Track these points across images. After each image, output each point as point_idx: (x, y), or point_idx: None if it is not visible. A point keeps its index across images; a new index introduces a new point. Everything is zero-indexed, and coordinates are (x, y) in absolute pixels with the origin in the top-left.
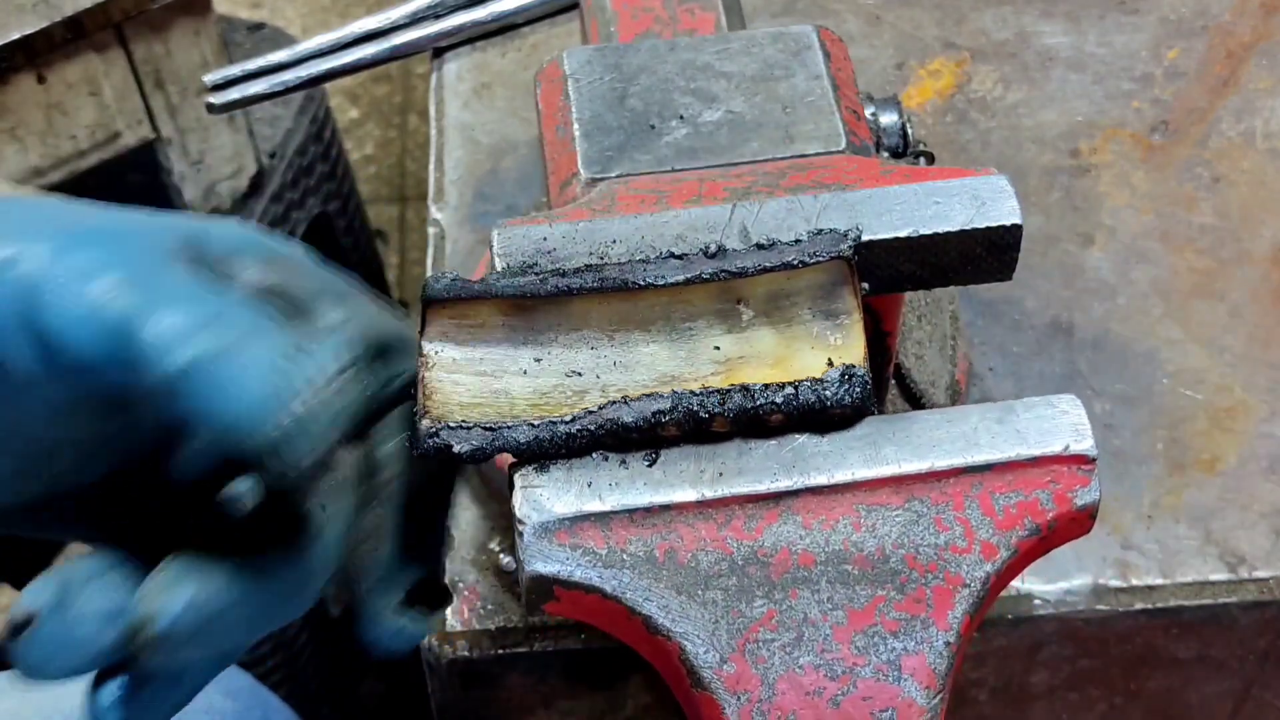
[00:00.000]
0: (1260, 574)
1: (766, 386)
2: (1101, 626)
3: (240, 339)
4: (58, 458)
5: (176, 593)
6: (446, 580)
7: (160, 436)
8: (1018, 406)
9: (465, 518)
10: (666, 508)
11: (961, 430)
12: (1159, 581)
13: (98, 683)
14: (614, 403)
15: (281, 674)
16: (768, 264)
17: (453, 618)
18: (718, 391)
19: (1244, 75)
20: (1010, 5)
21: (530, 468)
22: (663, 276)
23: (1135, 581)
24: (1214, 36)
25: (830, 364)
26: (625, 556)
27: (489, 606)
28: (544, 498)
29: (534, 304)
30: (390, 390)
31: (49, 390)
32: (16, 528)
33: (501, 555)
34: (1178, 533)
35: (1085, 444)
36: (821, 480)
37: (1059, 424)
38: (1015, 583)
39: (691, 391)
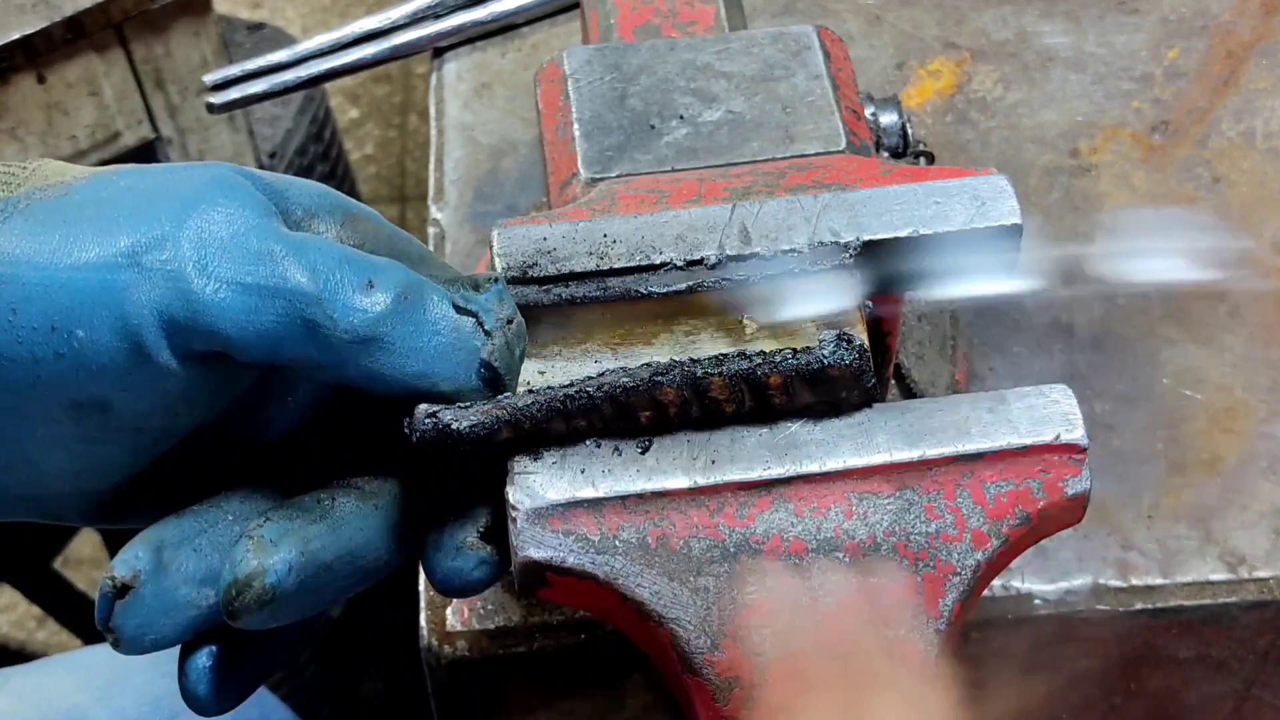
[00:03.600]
0: (1260, 574)
1: (762, 352)
2: (1101, 626)
3: (410, 295)
4: (160, 435)
5: (281, 547)
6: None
7: (267, 390)
8: (1009, 396)
9: None
10: (659, 494)
11: (953, 419)
12: (1159, 581)
13: (187, 652)
14: (613, 370)
15: (281, 674)
16: (770, 274)
17: (453, 617)
18: (715, 357)
19: (1244, 75)
20: (1010, 5)
21: (524, 455)
22: (666, 286)
23: (1135, 581)
24: (1214, 36)
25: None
26: (618, 543)
27: (489, 606)
28: (537, 484)
29: (537, 314)
30: None
31: (195, 377)
32: (92, 519)
33: None
34: (1178, 533)
35: (1076, 433)
36: (813, 468)
37: (1050, 413)
38: (1015, 583)
39: (692, 359)
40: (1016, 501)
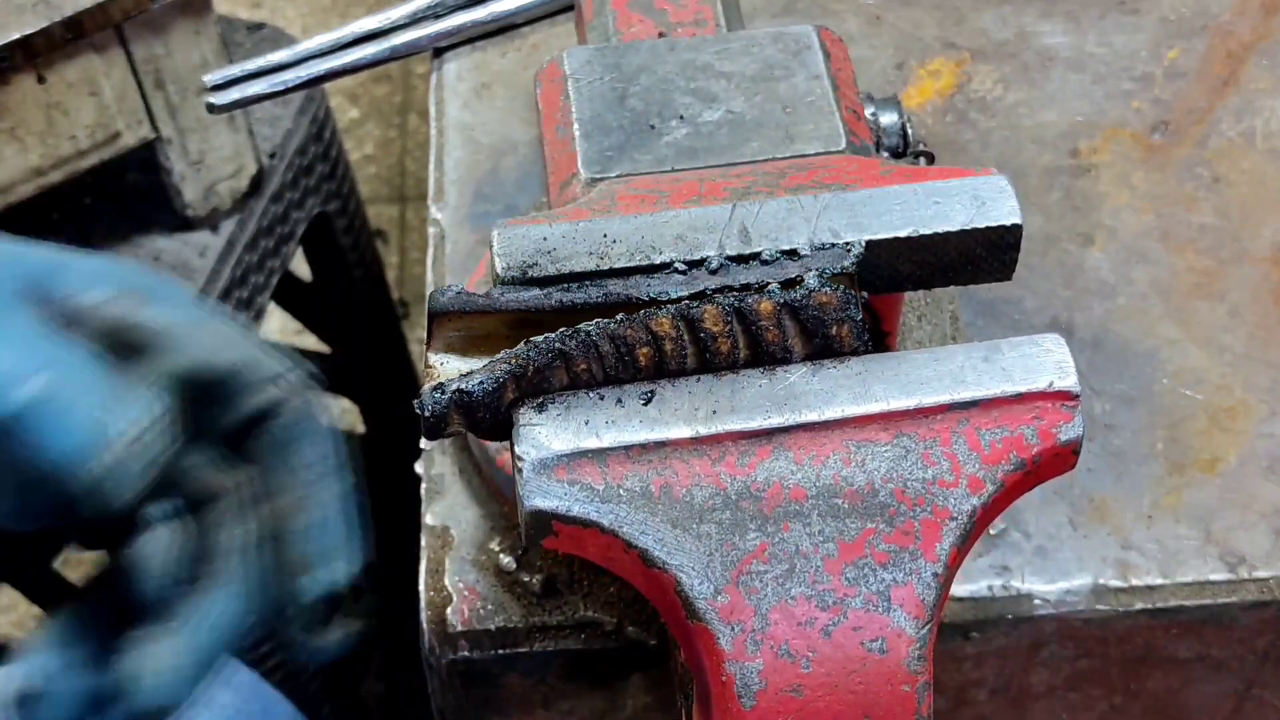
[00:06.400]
0: (1260, 574)
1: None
2: (1101, 626)
3: (66, 386)
4: None
5: (159, 661)
6: (446, 582)
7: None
8: (1003, 345)
9: (465, 517)
10: (662, 444)
11: (949, 368)
12: (1159, 581)
13: None
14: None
15: (281, 674)
16: (770, 279)
17: (453, 618)
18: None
19: (1244, 75)
20: (1010, 5)
21: (529, 407)
22: (666, 292)
23: (1135, 581)
24: (1214, 36)
25: None
26: (622, 491)
27: (489, 606)
28: (543, 435)
29: (538, 316)
30: (237, 418)
31: None
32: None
33: (501, 555)
34: (1178, 533)
35: (1069, 381)
36: (812, 417)
37: (1043, 361)
38: (1015, 582)
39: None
40: (1011, 447)
